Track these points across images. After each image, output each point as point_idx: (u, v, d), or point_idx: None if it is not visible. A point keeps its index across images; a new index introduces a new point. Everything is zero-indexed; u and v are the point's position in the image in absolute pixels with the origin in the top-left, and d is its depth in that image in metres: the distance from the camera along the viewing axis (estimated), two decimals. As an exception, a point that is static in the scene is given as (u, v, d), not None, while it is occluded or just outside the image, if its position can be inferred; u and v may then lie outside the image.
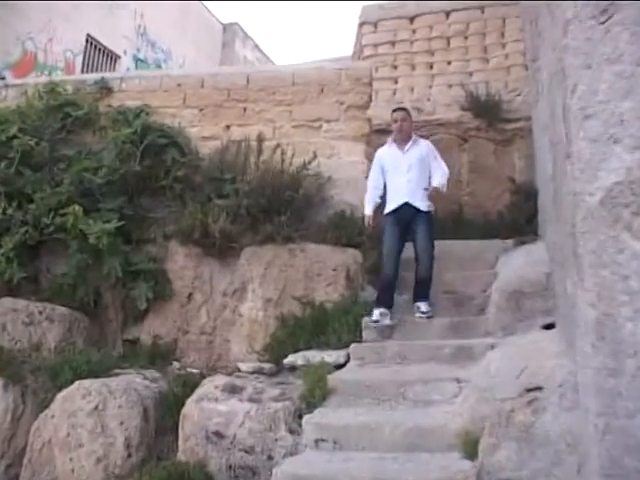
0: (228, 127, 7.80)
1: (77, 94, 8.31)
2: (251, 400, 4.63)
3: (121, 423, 5.01)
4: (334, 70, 7.58)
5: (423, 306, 5.89)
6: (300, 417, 4.47)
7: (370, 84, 7.59)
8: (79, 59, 14.26)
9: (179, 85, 8.09)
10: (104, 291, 7.16)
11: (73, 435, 5.06)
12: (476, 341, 5.27)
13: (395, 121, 6.30)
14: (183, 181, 7.38)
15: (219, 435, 4.49)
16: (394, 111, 6.46)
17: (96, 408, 5.08)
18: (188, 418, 4.78)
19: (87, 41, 14.61)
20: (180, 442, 4.78)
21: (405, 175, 6.13)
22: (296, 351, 5.82)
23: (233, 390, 4.82)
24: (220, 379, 5.08)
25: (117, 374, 5.94)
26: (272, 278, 6.77)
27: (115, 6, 15.18)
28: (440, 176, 6.18)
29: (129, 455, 4.95)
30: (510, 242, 7.05)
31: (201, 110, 7.95)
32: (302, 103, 7.55)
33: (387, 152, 6.36)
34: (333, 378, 4.77)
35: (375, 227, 6.41)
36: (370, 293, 6.30)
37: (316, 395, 4.54)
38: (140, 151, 7.42)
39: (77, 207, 6.89)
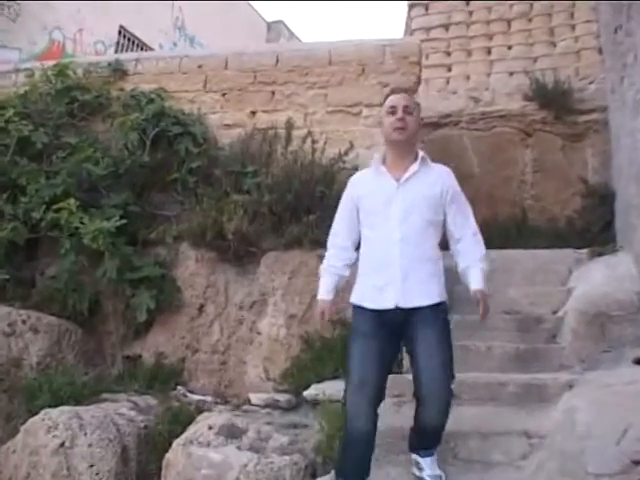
0: (253, 113, 6.77)
1: (88, 77, 7.39)
2: (252, 449, 3.55)
3: (91, 465, 3.96)
4: (377, 46, 6.47)
5: (427, 466, 3.28)
6: (314, 477, 3.34)
7: (419, 63, 6.45)
8: (111, 51, 13.48)
9: (200, 67, 7.09)
10: (103, 299, 6.16)
11: (34, 477, 4.04)
12: (548, 377, 4.09)
13: (392, 111, 3.22)
14: (198, 174, 6.37)
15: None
16: (389, 94, 3.37)
17: (62, 445, 4.05)
18: (172, 466, 3.73)
19: (120, 33, 13.86)
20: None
21: (397, 229, 3.15)
22: (321, 380, 4.73)
23: (231, 433, 3.74)
24: (217, 417, 4.00)
25: (104, 400, 4.92)
26: (297, 290, 5.68)
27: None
28: (476, 254, 3.27)
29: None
30: (584, 252, 5.87)
31: (224, 94, 6.94)
32: (339, 85, 6.47)
33: (369, 180, 3.32)
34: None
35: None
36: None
37: (335, 447, 3.38)
38: (150, 140, 6.43)
39: (72, 201, 5.92)
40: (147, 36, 14.32)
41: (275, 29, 19.70)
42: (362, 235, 3.29)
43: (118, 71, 7.40)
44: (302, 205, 5.83)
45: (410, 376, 3.22)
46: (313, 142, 6.16)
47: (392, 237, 3.14)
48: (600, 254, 5.69)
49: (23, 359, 5.46)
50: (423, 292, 3.11)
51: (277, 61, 6.78)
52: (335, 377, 4.72)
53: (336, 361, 4.88)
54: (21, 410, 5.03)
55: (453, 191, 3.25)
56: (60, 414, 4.24)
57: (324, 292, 3.33)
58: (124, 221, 5.94)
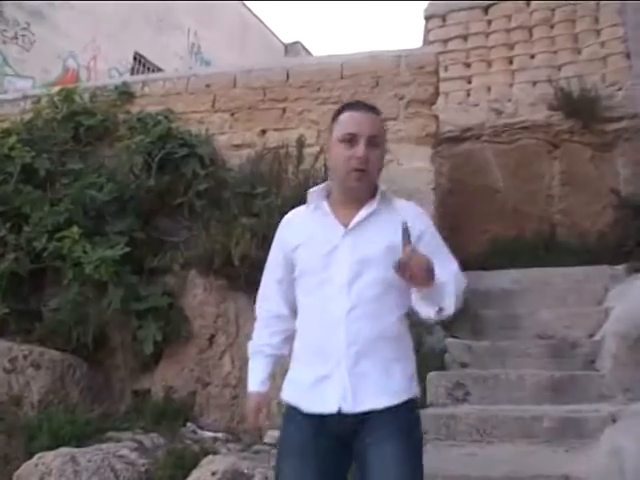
0: (264, 132, 6.49)
1: (95, 101, 7.18)
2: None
3: (85, 516, 3.61)
4: (391, 57, 6.17)
5: None
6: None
7: (436, 73, 6.11)
8: (125, 77, 13.39)
9: (207, 86, 6.84)
10: (109, 331, 5.84)
11: None
12: (587, 409, 3.71)
13: (349, 139, 2.21)
14: (206, 197, 6.07)
15: None
16: (346, 108, 2.32)
17: (57, 495, 3.71)
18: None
19: (135, 59, 13.79)
20: None
21: (342, 295, 2.19)
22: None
23: (236, 480, 3.36)
24: (221, 462, 3.63)
25: (108, 439, 4.58)
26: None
27: (166, 24, 14.34)
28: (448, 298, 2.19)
29: None
30: (621, 269, 5.46)
31: (233, 114, 6.67)
32: (352, 99, 6.14)
33: (306, 223, 2.37)
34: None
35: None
36: (439, 338, 4.77)
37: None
38: (156, 163, 6.16)
39: (75, 229, 5.65)
40: (162, 62, 14.23)
41: (293, 50, 19.59)
42: (297, 302, 2.31)
43: (125, 94, 7.19)
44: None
45: (432, 412, 2.82)
46: (325, 160, 5.83)
47: (335, 308, 2.15)
48: (638, 270, 5.28)
49: (24, 397, 5.16)
50: (381, 388, 2.14)
51: (287, 77, 6.51)
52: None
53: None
54: (19, 452, 4.70)
55: (426, 235, 2.24)
56: (54, 458, 3.91)
57: (257, 382, 2.36)
58: (128, 249, 5.66)
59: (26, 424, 4.85)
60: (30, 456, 4.38)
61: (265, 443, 4.43)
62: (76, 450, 4.14)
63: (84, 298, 5.72)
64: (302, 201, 5.65)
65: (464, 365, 4.54)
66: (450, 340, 4.80)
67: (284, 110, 6.45)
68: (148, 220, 6.18)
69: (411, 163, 5.83)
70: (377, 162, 2.24)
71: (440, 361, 4.50)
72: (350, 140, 2.18)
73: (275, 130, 6.42)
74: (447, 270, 2.16)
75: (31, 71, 11.50)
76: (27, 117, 7.17)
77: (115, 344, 5.89)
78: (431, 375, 4.28)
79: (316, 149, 6.06)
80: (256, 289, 5.74)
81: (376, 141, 2.21)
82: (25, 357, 5.31)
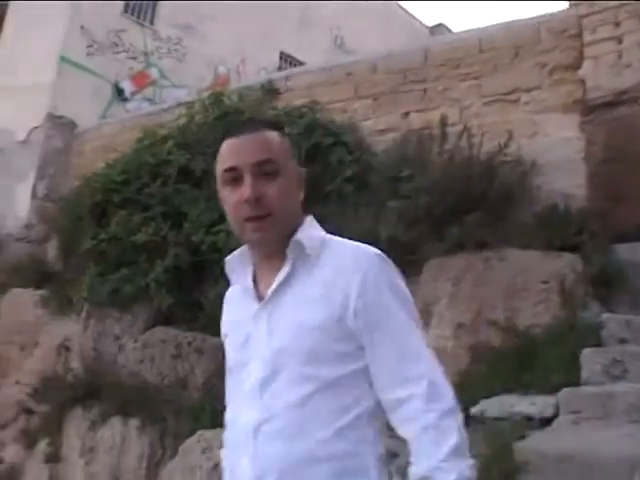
0: (406, 115, 6.48)
1: (243, 101, 7.48)
2: (403, 475, 3.15)
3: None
4: (530, 25, 5.95)
5: None
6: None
7: (579, 35, 5.82)
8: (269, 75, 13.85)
9: (349, 74, 6.93)
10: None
11: None
12: None
13: (232, 178, 1.58)
14: (353, 183, 6.15)
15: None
16: (225, 136, 1.69)
17: (216, 467, 3.91)
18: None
19: (281, 58, 14.18)
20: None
21: (254, 402, 1.55)
22: (491, 395, 4.24)
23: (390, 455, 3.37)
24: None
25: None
26: (463, 297, 5.22)
27: (308, 21, 14.62)
28: (437, 450, 1.46)
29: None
30: None
31: (375, 99, 6.70)
32: (493, 73, 6.01)
33: (235, 298, 1.73)
34: (524, 448, 3.10)
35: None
36: (595, 313, 4.53)
37: (493, 475, 2.91)
38: (304, 154, 6.31)
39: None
40: (308, 57, 14.52)
41: (437, 33, 19.28)
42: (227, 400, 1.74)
43: (270, 91, 7.44)
44: (462, 205, 5.40)
45: (587, 389, 2.66)
46: (469, 137, 5.72)
47: (243, 422, 1.57)
48: None
49: (189, 380, 5.51)
50: None
51: (426, 58, 6.43)
52: (507, 390, 4.23)
53: (508, 373, 4.39)
54: (186, 430, 5.05)
55: (373, 302, 1.53)
56: (215, 436, 4.15)
57: None
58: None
59: (191, 406, 5.18)
60: (193, 433, 4.72)
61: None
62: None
63: (242, 288, 5.99)
64: (448, 180, 5.58)
65: (622, 341, 4.27)
66: (607, 315, 4.54)
67: (425, 91, 6.40)
68: (302, 209, 6.34)
69: (559, 133, 5.58)
70: (282, 196, 1.55)
71: (596, 337, 4.27)
72: (233, 179, 1.57)
73: (417, 112, 6.39)
74: (417, 386, 1.48)
75: (186, 81, 12.17)
76: (181, 123, 7.59)
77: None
78: (586, 352, 4.07)
79: (459, 127, 5.96)
80: (405, 272, 5.73)
81: (270, 168, 1.55)
82: (189, 344, 5.67)
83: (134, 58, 11.78)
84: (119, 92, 11.24)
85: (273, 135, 1.61)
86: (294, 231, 1.58)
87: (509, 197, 5.43)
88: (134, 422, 5.83)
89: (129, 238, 6.22)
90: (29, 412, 7.66)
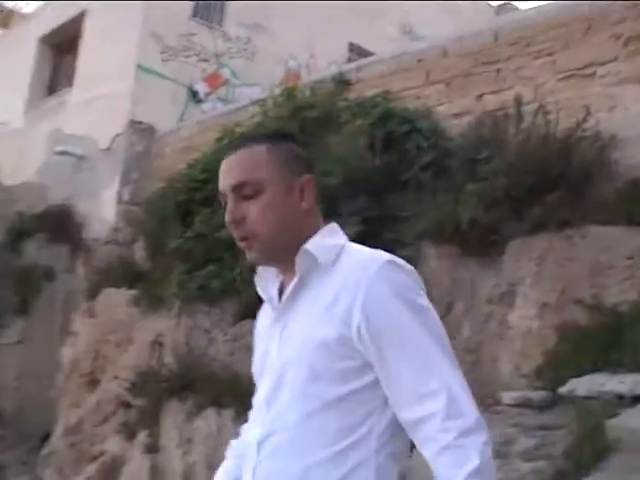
0: (480, 97, 6.44)
1: (315, 94, 7.61)
2: (495, 453, 3.19)
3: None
4: (599, -4, 5.80)
5: None
6: (563, 485, 2.94)
7: (661, 1, 5.64)
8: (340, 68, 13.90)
9: (419, 61, 6.96)
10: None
11: None
12: None
13: (223, 201, 1.61)
14: (430, 169, 6.18)
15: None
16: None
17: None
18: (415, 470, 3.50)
19: (350, 50, 14.23)
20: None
21: (262, 418, 1.58)
22: (579, 374, 4.23)
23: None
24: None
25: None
26: (547, 276, 5.19)
27: (376, 11, 14.61)
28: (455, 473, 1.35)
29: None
30: None
31: (447, 84, 6.71)
32: (566, 48, 5.90)
33: (262, 312, 1.78)
34: (616, 426, 3.10)
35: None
36: (686, 285, 4.45)
37: (585, 453, 2.93)
38: (379, 143, 6.39)
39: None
40: (376, 47, 14.50)
41: (503, 12, 18.93)
42: None
43: (342, 83, 7.54)
44: (541, 185, 5.36)
45: None
46: (545, 115, 5.65)
47: (251, 435, 1.61)
48: None
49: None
50: None
51: (496, 38, 6.39)
52: (596, 369, 4.20)
53: (595, 352, 4.36)
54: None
55: (379, 314, 1.45)
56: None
57: None
58: (362, 227, 5.95)
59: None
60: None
61: (504, 404, 4.43)
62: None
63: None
64: (525, 160, 5.55)
65: None
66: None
67: (498, 71, 6.35)
68: (379, 198, 6.41)
69: (638, 105, 5.45)
70: (264, 215, 1.54)
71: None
72: (225, 202, 1.59)
73: (491, 93, 6.35)
74: (435, 405, 1.38)
75: (257, 79, 12.39)
76: (256, 120, 7.77)
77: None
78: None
79: (534, 106, 5.89)
80: (487, 253, 5.75)
81: (248, 190, 1.55)
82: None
83: (206, 60, 12.07)
84: (194, 94, 11.56)
85: (257, 151, 1.58)
86: (305, 241, 1.56)
87: (588, 174, 5.34)
88: (228, 412, 6.04)
89: (213, 235, 6.43)
90: (128, 406, 8.02)
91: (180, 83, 11.43)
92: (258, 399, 1.61)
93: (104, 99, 11.36)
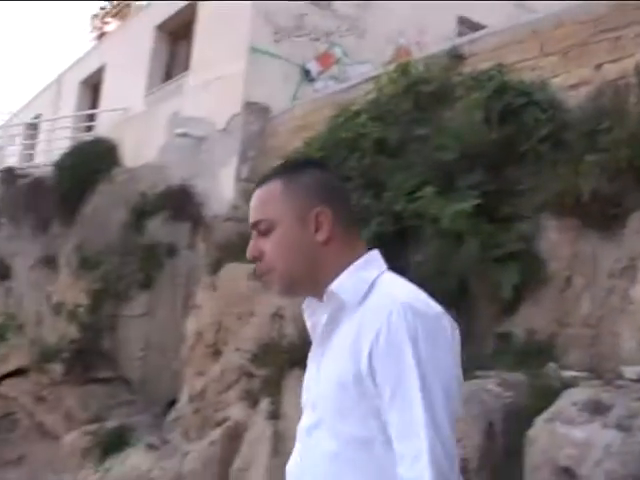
0: (599, 66, 6.30)
1: (428, 70, 7.67)
2: (619, 427, 3.26)
3: (457, 441, 4.00)
4: None
5: None
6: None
7: None
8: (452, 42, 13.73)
9: (534, 32, 6.85)
10: (470, 280, 6.26)
11: None
12: None
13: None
14: (548, 141, 6.14)
15: (570, 474, 3.22)
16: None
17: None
18: (535, 443, 3.60)
19: (460, 23, 14.06)
20: (526, 473, 3.61)
21: (300, 441, 1.68)
22: None
23: (596, 409, 3.49)
24: (581, 393, 3.78)
25: (476, 376, 4.99)
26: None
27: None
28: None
29: (467, 480, 3.93)
30: None
31: (564, 54, 6.59)
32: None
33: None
34: None
35: None
36: None
37: None
38: (495, 117, 6.40)
39: (429, 189, 6.18)
40: (487, 20, 14.25)
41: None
42: None
43: (455, 57, 7.55)
44: (666, 154, 5.26)
45: None
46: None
47: (292, 462, 1.69)
48: None
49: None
50: None
51: (615, 4, 6.22)
52: None
53: None
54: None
55: (383, 362, 1.49)
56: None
57: None
58: (480, 201, 6.01)
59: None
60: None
61: (626, 378, 4.42)
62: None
63: (444, 251, 6.22)
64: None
65: None
66: None
67: (617, 39, 6.20)
68: (496, 172, 6.42)
69: None
70: (277, 250, 1.63)
71: None
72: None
73: (611, 62, 6.20)
74: (410, 449, 1.44)
75: (367, 56, 12.46)
76: (370, 97, 7.90)
77: (476, 290, 6.29)
78: None
79: (658, 74, 5.75)
80: (609, 226, 5.71)
81: (263, 226, 1.66)
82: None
83: (317, 39, 12.24)
84: (306, 74, 11.78)
85: (271, 188, 1.67)
86: (336, 274, 1.61)
87: None
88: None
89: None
90: (250, 375, 8.39)
91: (292, 63, 11.67)
92: (300, 426, 1.67)
93: (219, 81, 11.76)
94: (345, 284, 1.59)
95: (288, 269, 1.62)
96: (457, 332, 1.58)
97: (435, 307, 1.56)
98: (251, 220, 1.68)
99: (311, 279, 1.63)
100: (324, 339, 1.63)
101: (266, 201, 1.66)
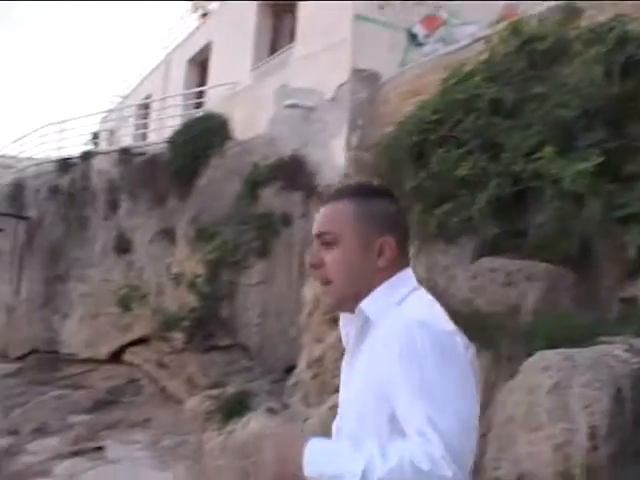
0: None
1: (542, 26, 7.42)
2: None
3: (585, 406, 3.96)
4: None
5: None
6: None
7: None
8: None
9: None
10: (592, 241, 6.08)
11: (532, 414, 4.24)
12: None
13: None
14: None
15: None
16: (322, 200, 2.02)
17: (556, 385, 4.14)
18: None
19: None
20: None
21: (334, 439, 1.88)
22: None
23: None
24: None
25: (600, 342, 4.88)
26: None
27: None
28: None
29: (594, 447, 3.87)
30: None
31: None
32: None
33: None
34: None
35: None
36: None
37: None
38: (618, 70, 6.14)
39: (549, 149, 6.02)
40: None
41: None
42: None
43: (571, 10, 7.26)
44: None
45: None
46: None
47: None
48: None
49: (520, 306, 5.76)
50: None
51: None
52: None
53: None
54: (520, 353, 5.30)
55: (390, 378, 1.64)
56: (554, 355, 4.36)
57: None
58: (602, 159, 5.80)
59: (524, 329, 5.43)
60: (529, 356, 4.96)
61: None
62: (572, 350, 4.53)
63: (564, 212, 6.07)
64: None
65: None
66: None
67: None
68: (618, 128, 6.18)
69: None
70: (336, 264, 1.76)
71: None
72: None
73: None
74: (412, 427, 1.56)
75: (474, 16, 12.16)
76: (482, 57, 7.74)
77: (599, 253, 6.10)
78: None
79: None
80: None
81: (328, 238, 1.79)
82: (518, 271, 5.90)
83: (421, 3, 12.06)
84: (413, 38, 11.65)
85: (340, 206, 1.80)
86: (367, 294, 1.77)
87: None
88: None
89: (449, 174, 6.60)
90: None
91: (398, 28, 11.56)
92: (335, 424, 1.84)
93: (325, 52, 11.80)
94: (373, 303, 1.75)
95: (343, 285, 1.76)
96: (471, 351, 1.73)
97: (449, 325, 1.72)
98: (316, 230, 1.81)
99: (356, 298, 1.76)
100: (354, 351, 1.79)
101: (334, 217, 1.80)
